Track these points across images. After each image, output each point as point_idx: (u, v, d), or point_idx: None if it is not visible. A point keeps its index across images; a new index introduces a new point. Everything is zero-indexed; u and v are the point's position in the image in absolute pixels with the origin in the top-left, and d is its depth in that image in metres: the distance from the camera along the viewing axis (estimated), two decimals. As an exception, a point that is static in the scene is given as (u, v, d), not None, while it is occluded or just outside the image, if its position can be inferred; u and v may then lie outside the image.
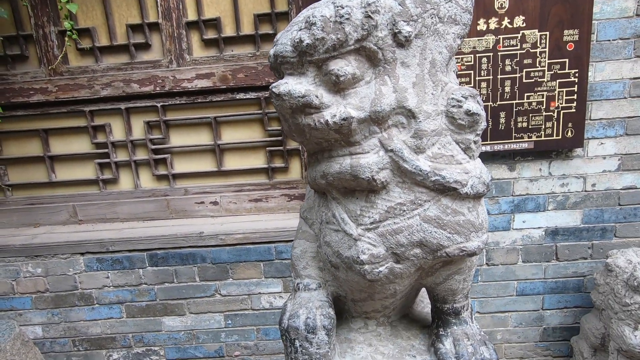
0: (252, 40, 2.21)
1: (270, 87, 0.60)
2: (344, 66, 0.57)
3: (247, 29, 2.20)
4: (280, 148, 2.29)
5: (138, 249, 2.10)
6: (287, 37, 0.60)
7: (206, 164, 2.37)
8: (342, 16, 0.55)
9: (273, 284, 2.10)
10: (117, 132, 2.34)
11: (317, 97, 0.57)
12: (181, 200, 2.35)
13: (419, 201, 0.60)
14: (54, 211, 2.38)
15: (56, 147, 2.37)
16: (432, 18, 0.58)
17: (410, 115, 0.59)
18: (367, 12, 0.55)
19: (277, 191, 2.33)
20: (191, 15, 2.20)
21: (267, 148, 2.30)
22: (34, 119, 2.32)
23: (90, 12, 2.20)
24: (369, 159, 0.59)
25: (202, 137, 2.34)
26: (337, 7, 0.56)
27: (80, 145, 2.36)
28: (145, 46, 2.23)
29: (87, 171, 2.39)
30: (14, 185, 2.38)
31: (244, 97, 2.24)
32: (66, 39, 2.04)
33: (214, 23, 2.19)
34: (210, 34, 2.21)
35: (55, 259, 2.11)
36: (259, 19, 2.16)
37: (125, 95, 2.24)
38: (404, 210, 0.60)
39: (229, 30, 2.21)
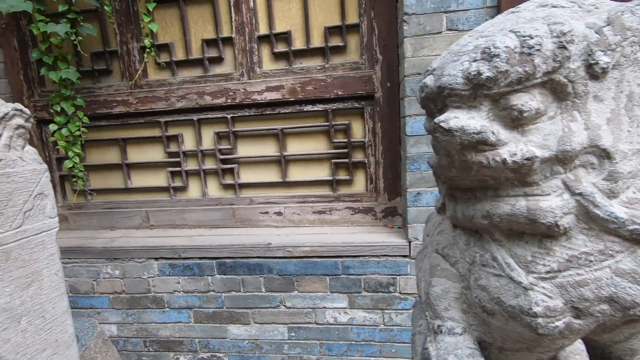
0: (321, 53, 2.21)
1: (436, 121, 0.56)
2: (528, 101, 0.52)
3: (317, 41, 2.21)
4: (345, 160, 2.27)
5: (208, 257, 2.15)
6: (455, 68, 0.56)
7: (271, 175, 2.40)
8: (532, 47, 0.50)
9: (338, 299, 2.07)
10: (189, 142, 2.44)
11: (493, 133, 0.53)
12: (246, 209, 2.40)
13: (610, 251, 0.54)
14: (129, 216, 2.51)
15: (133, 156, 2.51)
16: (632, 46, 0.52)
17: (604, 155, 0.53)
18: (561, 42, 0.50)
19: (341, 204, 2.31)
20: (263, 30, 2.24)
21: (332, 160, 2.29)
22: (115, 129, 2.47)
23: (169, 29, 2.31)
24: (551, 202, 0.54)
25: (268, 148, 2.37)
26: (524, 37, 0.51)
27: (155, 154, 2.48)
28: (219, 60, 2.31)
29: (159, 179, 2.50)
30: (95, 190, 2.54)
31: (312, 110, 2.24)
32: (145, 54, 2.15)
33: (285, 36, 2.22)
34: (281, 47, 2.24)
35: (132, 263, 2.22)
36: (329, 31, 2.16)
37: (198, 107, 2.33)
38: (591, 261, 0.55)
39: (298, 43, 2.23)
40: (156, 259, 2.21)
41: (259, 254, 2.10)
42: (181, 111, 2.37)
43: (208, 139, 2.42)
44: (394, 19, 2.06)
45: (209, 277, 2.18)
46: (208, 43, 2.29)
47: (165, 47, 2.32)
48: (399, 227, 2.21)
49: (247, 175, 2.43)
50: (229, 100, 2.28)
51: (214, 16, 2.26)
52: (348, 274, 2.04)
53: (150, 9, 2.01)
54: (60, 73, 2.15)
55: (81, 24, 2.09)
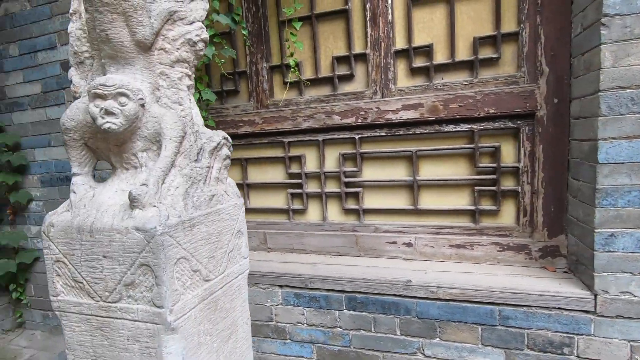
0: (467, 67, 1.96)
1: None
2: None
3: (463, 54, 1.96)
4: (492, 188, 1.96)
5: (336, 290, 1.98)
6: None
7: (400, 201, 2.18)
8: None
9: (492, 354, 1.75)
10: (311, 163, 2.33)
11: None
12: (371, 238, 2.20)
13: None
14: (248, 237, 2.46)
15: (253, 175, 2.48)
16: None
17: None
18: None
19: (484, 238, 2.00)
20: (400, 43, 2.07)
21: (475, 187, 1.99)
22: (238, 148, 2.46)
23: (296, 47, 2.24)
24: None
25: (398, 172, 2.16)
26: None
27: (275, 174, 2.42)
28: (349, 77, 2.18)
29: (278, 200, 2.43)
30: (216, 209, 2.55)
31: (453, 130, 1.99)
32: (290, 74, 2.09)
33: (425, 50, 2.01)
34: (419, 62, 2.04)
35: (256, 288, 2.14)
36: (479, 41, 1.91)
37: (325, 127, 2.21)
38: None
39: (440, 57, 2.01)
40: (281, 286, 2.10)
41: (395, 292, 1.88)
42: (306, 131, 2.28)
43: (332, 161, 2.29)
44: (566, 24, 1.74)
45: (337, 312, 2.00)
46: (339, 60, 2.18)
47: (289, 67, 2.26)
48: (563, 272, 1.83)
49: (372, 201, 2.24)
50: (359, 120, 2.13)
51: (347, 32, 2.14)
52: (507, 326, 1.71)
53: (297, 28, 1.95)
54: (198, 94, 2.18)
55: (225, 47, 2.11)
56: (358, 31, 2.14)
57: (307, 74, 2.27)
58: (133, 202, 0.90)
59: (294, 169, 2.36)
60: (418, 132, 2.06)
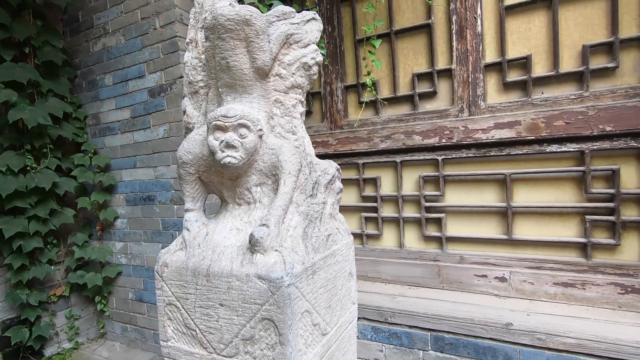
0: (575, 79, 1.72)
1: None
2: None
3: (569, 65, 1.73)
4: (610, 218, 1.67)
5: (421, 327, 1.80)
6: None
7: (489, 229, 1.95)
8: None
9: None
10: (387, 185, 2.20)
11: None
12: (456, 269, 1.99)
13: None
14: (317, 261, 2.37)
15: (325, 198, 2.40)
16: None
17: None
18: None
19: (599, 276, 1.69)
20: (490, 57, 1.89)
21: (586, 216, 1.71)
22: (310, 170, 2.41)
23: (373, 66, 2.15)
24: None
25: (487, 197, 1.94)
26: None
27: (348, 197, 2.32)
28: (431, 95, 2.04)
29: (350, 224, 2.32)
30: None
31: (558, 150, 1.74)
32: (366, 94, 2.01)
33: (521, 62, 1.81)
34: (514, 76, 1.84)
35: (330, 318, 2.02)
36: (590, 50, 1.67)
37: (404, 148, 2.08)
38: None
39: (539, 69, 1.79)
40: (357, 318, 1.95)
41: (492, 335, 1.64)
42: (382, 152, 2.16)
43: (410, 183, 2.13)
44: None
45: (421, 352, 1.81)
46: (419, 77, 2.05)
47: (365, 86, 2.17)
48: None
49: (456, 228, 2.03)
50: (443, 140, 1.96)
51: (429, 47, 2.02)
52: (643, 390, 1.40)
53: (376, 46, 1.88)
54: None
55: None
56: (442, 46, 2.00)
57: (385, 92, 2.17)
58: (255, 245, 0.82)
59: (369, 191, 2.25)
60: (513, 152, 1.84)
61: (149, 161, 2.59)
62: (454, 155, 1.98)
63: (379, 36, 2.07)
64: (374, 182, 2.21)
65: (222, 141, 0.87)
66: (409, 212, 2.14)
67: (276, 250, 0.84)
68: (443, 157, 2.00)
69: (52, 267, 2.60)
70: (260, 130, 0.90)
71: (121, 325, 2.91)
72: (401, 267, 2.14)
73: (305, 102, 1.07)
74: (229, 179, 0.95)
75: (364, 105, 2.05)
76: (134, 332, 2.81)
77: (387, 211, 2.21)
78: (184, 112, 0.99)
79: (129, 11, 2.53)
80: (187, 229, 0.96)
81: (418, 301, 1.92)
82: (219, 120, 0.86)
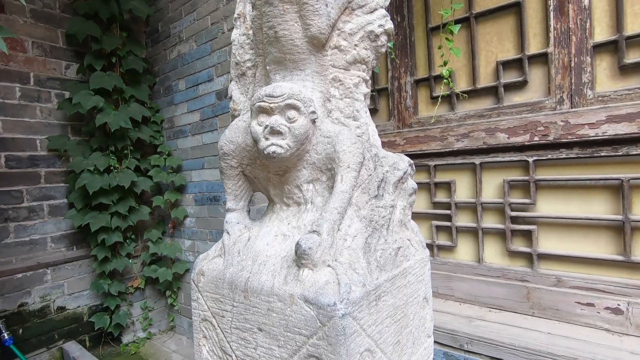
0: None
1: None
2: None
3: None
4: None
5: (505, 360, 1.51)
6: None
7: (597, 247, 1.58)
8: None
9: None
10: (463, 191, 1.93)
11: None
12: (550, 293, 1.65)
13: None
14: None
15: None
16: None
17: None
18: None
19: None
20: (600, 35, 1.54)
21: None
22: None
23: (451, 55, 1.91)
24: None
25: (594, 207, 1.58)
26: None
27: (417, 202, 2.09)
28: (520, 85, 1.74)
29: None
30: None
31: (702, 149, 1.34)
32: (442, 87, 1.79)
33: (646, 38, 1.44)
34: (634, 57, 1.47)
35: (394, 337, 1.81)
36: None
37: (485, 148, 1.80)
38: None
39: (674, 46, 1.40)
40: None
41: (605, 383, 1.30)
42: (458, 153, 1.90)
43: (492, 189, 1.84)
44: None
45: (505, 390, 1.52)
46: (505, 65, 1.77)
47: (441, 78, 1.94)
48: None
49: (551, 243, 1.69)
50: (535, 138, 1.65)
51: (519, 29, 1.72)
52: None
53: (455, 31, 1.65)
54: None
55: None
56: (534, 27, 1.69)
57: (462, 85, 1.91)
58: (301, 257, 0.65)
59: (441, 197, 2.00)
60: (633, 152, 1.47)
61: (215, 162, 2.65)
62: (549, 156, 1.65)
63: (456, 21, 1.83)
64: (447, 186, 1.96)
65: (266, 126, 0.72)
66: (490, 222, 1.85)
67: (329, 266, 0.66)
68: (535, 158, 1.69)
69: (130, 260, 2.79)
70: (314, 113, 0.74)
71: (188, 321, 3.02)
72: (479, 285, 1.85)
73: (370, 81, 0.89)
74: (275, 173, 0.80)
75: (440, 99, 1.81)
76: (199, 329, 2.89)
77: (462, 220, 1.94)
78: (230, 97, 0.88)
79: (200, 18, 2.63)
80: (227, 232, 0.83)
81: (502, 328, 1.62)
82: (263, 101, 0.72)
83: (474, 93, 1.86)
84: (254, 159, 0.83)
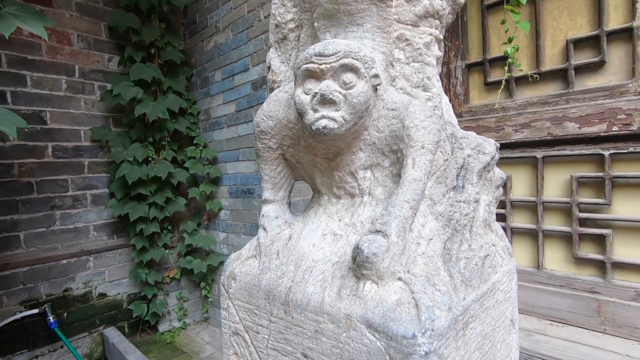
0: None
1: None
2: None
3: None
4: None
5: (573, 383, 1.31)
6: None
7: (692, 257, 1.33)
8: None
9: None
10: (520, 188, 1.72)
11: None
12: (628, 308, 1.42)
13: None
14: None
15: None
16: None
17: None
18: None
19: None
20: None
21: None
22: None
23: (506, 36, 1.70)
24: None
25: (689, 209, 1.33)
26: None
27: (465, 200, 1.90)
28: (595, 67, 1.50)
29: (468, 233, 1.90)
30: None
31: None
32: (505, 68, 1.59)
33: None
34: None
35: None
36: None
37: (550, 140, 1.58)
38: None
39: None
40: (476, 353, 1.55)
41: None
42: (516, 145, 1.70)
43: (555, 186, 1.62)
44: None
45: (572, 417, 1.32)
46: (577, 44, 1.54)
47: (500, 62, 1.73)
48: None
49: (629, 250, 1.46)
50: (614, 128, 1.42)
51: (595, 3, 1.49)
52: None
53: (524, 2, 1.45)
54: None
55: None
56: (617, -2, 1.45)
57: (522, 68, 1.69)
58: (362, 266, 0.50)
59: (494, 194, 1.80)
60: None
61: (250, 154, 2.59)
62: (630, 149, 1.41)
63: (516, -4, 1.62)
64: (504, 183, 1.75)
65: (314, 94, 0.58)
66: (553, 223, 1.63)
67: (399, 279, 0.50)
68: (613, 151, 1.45)
69: (166, 251, 2.82)
70: (376, 77, 0.58)
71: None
72: (538, 294, 1.64)
73: (443, 42, 0.72)
74: (323, 157, 0.64)
75: (503, 82, 1.61)
76: (232, 322, 2.88)
77: (518, 220, 1.73)
78: (269, 67, 0.76)
79: (237, 6, 2.57)
80: (264, 229, 0.70)
81: (567, 345, 1.42)
82: (311, 62, 0.58)
83: (538, 77, 1.64)
84: (297, 138, 0.68)
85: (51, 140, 2.50)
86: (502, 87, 1.62)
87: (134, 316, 2.74)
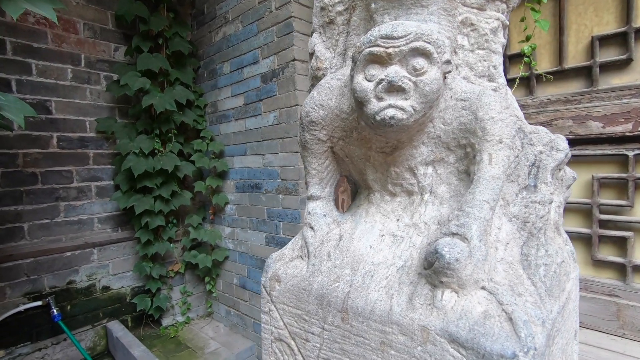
0: None
1: None
2: None
3: None
4: None
5: (593, 389, 1.28)
6: None
7: None
8: None
9: None
10: (538, 188, 1.68)
11: None
12: (649, 312, 1.39)
13: None
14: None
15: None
16: None
17: None
18: None
19: None
20: None
21: None
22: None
23: (535, 30, 1.65)
24: None
25: None
26: None
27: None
28: (621, 64, 1.46)
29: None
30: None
31: None
32: (520, 67, 1.55)
33: None
34: None
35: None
36: None
37: (572, 139, 1.54)
38: None
39: None
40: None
41: None
42: (535, 144, 1.65)
43: (575, 187, 1.58)
44: None
45: (591, 423, 1.29)
46: (602, 41, 1.49)
47: (518, 58, 1.69)
48: None
49: (652, 254, 1.42)
50: (640, 128, 1.38)
51: (624, -3, 1.44)
52: None
53: (544, 0, 1.40)
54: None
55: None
56: (646, -7, 1.40)
57: (544, 66, 1.65)
58: (442, 273, 0.45)
59: (510, 194, 1.76)
60: None
61: (258, 148, 2.55)
62: (657, 150, 1.38)
63: (541, -10, 1.57)
64: (520, 182, 1.72)
65: (380, 81, 0.52)
66: (572, 224, 1.60)
67: (483, 288, 0.45)
68: (638, 152, 1.41)
69: (171, 245, 2.78)
70: (448, 63, 0.53)
71: (225, 308, 2.99)
72: (554, 296, 1.61)
73: (507, 28, 0.65)
74: (379, 151, 0.59)
75: (517, 81, 1.57)
76: (236, 317, 2.85)
77: (536, 221, 1.69)
78: (312, 54, 0.71)
79: (247, -4, 2.52)
80: (311, 227, 0.64)
81: (585, 349, 1.39)
82: (377, 45, 0.52)
83: (560, 75, 1.60)
84: (349, 130, 0.62)
85: (56, 131, 2.45)
86: (515, 86, 1.57)
87: (137, 310, 2.71)
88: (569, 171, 0.64)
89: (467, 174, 0.52)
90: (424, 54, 0.49)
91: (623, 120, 1.41)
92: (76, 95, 2.54)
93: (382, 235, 0.54)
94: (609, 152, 1.47)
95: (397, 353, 0.45)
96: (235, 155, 2.76)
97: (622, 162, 1.45)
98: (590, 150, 1.52)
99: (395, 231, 0.53)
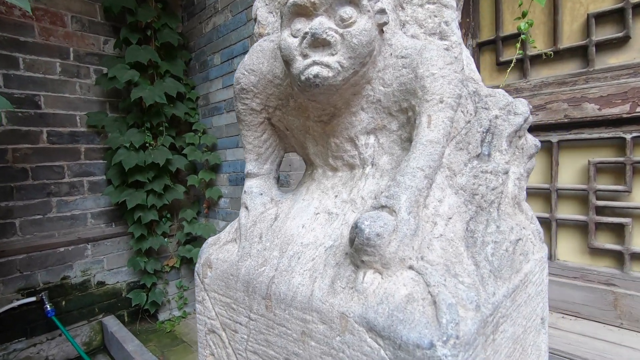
0: None
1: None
2: None
3: None
4: None
5: (588, 380, 1.24)
6: None
7: None
8: None
9: None
10: (533, 174, 1.62)
11: None
12: (647, 301, 1.33)
13: None
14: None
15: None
16: None
17: None
18: None
19: None
20: None
21: None
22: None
23: (532, 5, 1.58)
24: None
25: None
26: None
27: (474, 187, 1.81)
28: (618, 43, 1.39)
29: (476, 222, 1.81)
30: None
31: None
32: (517, 45, 1.48)
33: None
34: None
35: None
36: None
37: (567, 122, 1.48)
38: None
39: None
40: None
41: None
42: (529, 129, 1.59)
43: (570, 173, 1.53)
44: None
45: (585, 415, 1.25)
46: (598, 19, 1.42)
47: (512, 39, 1.62)
48: None
49: (651, 240, 1.37)
50: (638, 109, 1.31)
51: (621, -29, 1.37)
52: None
53: None
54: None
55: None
56: (644, -34, 1.33)
57: (538, 46, 1.59)
58: (362, 251, 0.39)
59: (504, 181, 1.70)
60: None
61: (250, 140, 2.51)
62: (656, 132, 1.31)
63: (535, -33, 1.50)
64: (514, 169, 1.66)
65: (304, 35, 0.46)
66: (567, 212, 1.54)
67: (411, 268, 0.39)
68: (635, 134, 1.35)
69: (165, 239, 2.77)
70: (383, 12, 0.46)
71: (222, 302, 2.98)
72: (550, 286, 1.55)
73: None
74: (317, 120, 0.52)
75: (513, 61, 1.50)
76: (232, 311, 2.84)
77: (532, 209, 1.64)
78: (255, 19, 0.66)
79: (236, -15, 2.46)
80: (246, 207, 0.59)
81: (581, 340, 1.35)
82: None
83: (555, 56, 1.54)
84: (285, 98, 0.55)
85: (46, 126, 2.43)
86: (511, 66, 1.51)
87: (133, 305, 2.71)
88: (530, 139, 0.58)
89: (410, 142, 0.47)
90: (352, 1, 0.44)
91: (620, 101, 1.35)
92: (65, 90, 2.51)
93: (316, 214, 0.48)
94: (606, 135, 1.41)
95: (317, 344, 0.40)
96: (228, 148, 2.73)
97: (619, 145, 1.39)
98: (586, 134, 1.45)
99: (331, 208, 0.48)
